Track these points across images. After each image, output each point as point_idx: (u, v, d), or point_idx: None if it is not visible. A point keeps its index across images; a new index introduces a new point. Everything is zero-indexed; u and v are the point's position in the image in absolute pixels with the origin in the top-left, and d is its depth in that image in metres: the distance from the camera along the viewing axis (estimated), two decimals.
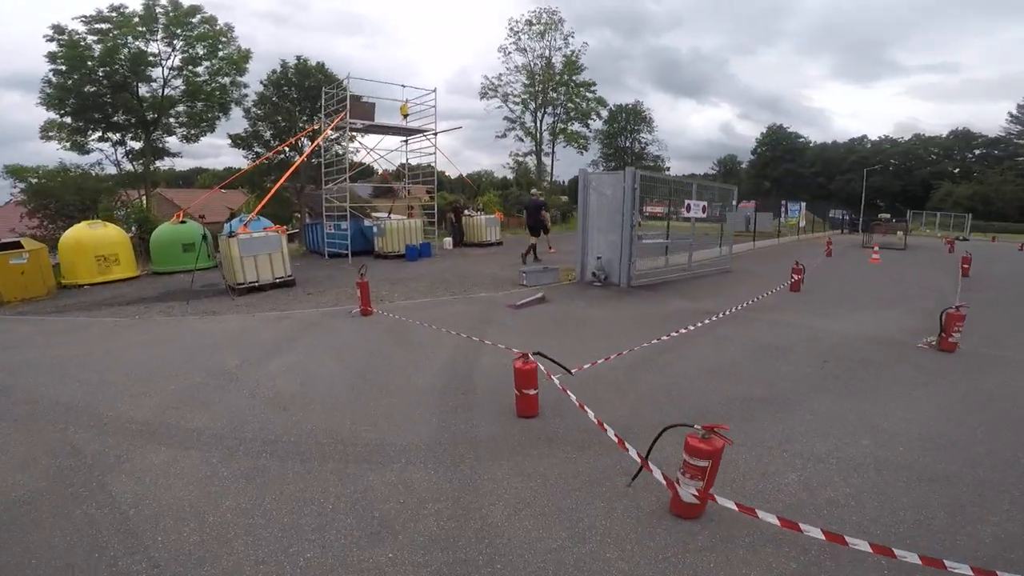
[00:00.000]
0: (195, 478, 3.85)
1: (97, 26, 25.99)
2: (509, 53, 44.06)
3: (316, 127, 23.17)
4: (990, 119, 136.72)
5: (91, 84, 26.54)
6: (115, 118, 27.69)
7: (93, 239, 14.67)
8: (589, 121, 47.94)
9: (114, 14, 26.23)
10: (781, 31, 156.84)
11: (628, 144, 63.30)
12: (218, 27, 29.10)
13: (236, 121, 31.11)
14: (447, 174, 45.28)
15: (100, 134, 27.98)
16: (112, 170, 28.67)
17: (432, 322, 8.10)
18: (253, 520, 3.32)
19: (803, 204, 31.49)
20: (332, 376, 5.98)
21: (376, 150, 21.42)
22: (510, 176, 59.78)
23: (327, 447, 4.26)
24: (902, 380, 5.78)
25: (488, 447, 4.20)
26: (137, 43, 27.09)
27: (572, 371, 4.92)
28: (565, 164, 59.25)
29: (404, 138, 20.89)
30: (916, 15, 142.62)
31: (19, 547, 3.09)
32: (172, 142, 30.89)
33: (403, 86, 19.33)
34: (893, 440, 4.33)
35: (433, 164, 21.02)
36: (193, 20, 28.25)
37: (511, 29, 43.66)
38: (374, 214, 20.67)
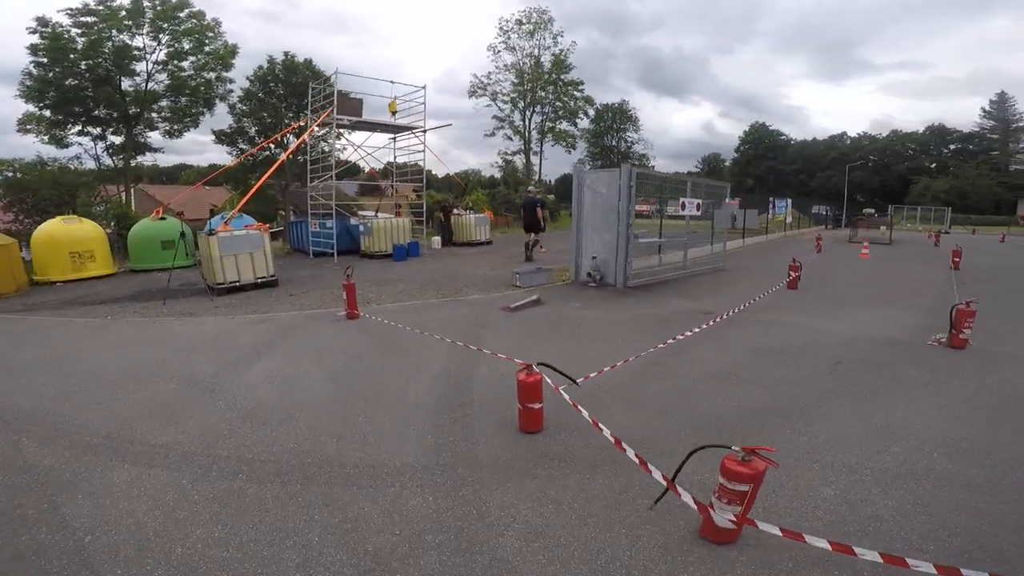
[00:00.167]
0: (161, 502, 3.42)
1: (83, 19, 25.37)
2: (498, 52, 43.82)
3: (302, 123, 22.64)
4: (961, 115, 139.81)
5: (73, 77, 25.99)
6: (96, 112, 27.08)
7: (67, 235, 14.11)
8: (577, 120, 47.83)
9: (101, 7, 25.60)
10: (756, 31, 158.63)
11: (614, 143, 63.26)
12: (206, 22, 28.50)
13: (221, 117, 30.62)
14: (434, 173, 44.83)
15: (80, 128, 27.36)
16: (91, 165, 28.05)
17: (423, 326, 7.63)
18: (227, 553, 2.89)
19: (789, 201, 31.47)
20: (316, 386, 5.51)
21: (363, 147, 20.84)
22: (497, 175, 59.53)
23: (311, 468, 3.82)
24: (919, 381, 5.54)
25: (491, 468, 3.79)
26: (122, 36, 26.49)
27: (578, 382, 4.51)
28: (553, 163, 59.33)
29: (392, 135, 20.42)
30: (884, 14, 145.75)
31: None
32: (154, 137, 30.38)
33: (392, 82, 18.84)
34: (925, 446, 4.09)
35: (422, 162, 20.57)
36: (181, 15, 27.66)
37: (501, 28, 43.46)
38: (361, 212, 20.18)
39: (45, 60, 24.91)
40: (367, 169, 25.58)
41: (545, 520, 3.16)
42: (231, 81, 30.01)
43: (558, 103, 45.52)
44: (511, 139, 46.62)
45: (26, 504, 3.37)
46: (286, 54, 29.85)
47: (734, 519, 2.79)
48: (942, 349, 6.67)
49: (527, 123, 45.32)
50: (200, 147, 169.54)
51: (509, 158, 49.16)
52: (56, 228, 14.22)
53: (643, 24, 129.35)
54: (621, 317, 8.64)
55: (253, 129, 29.56)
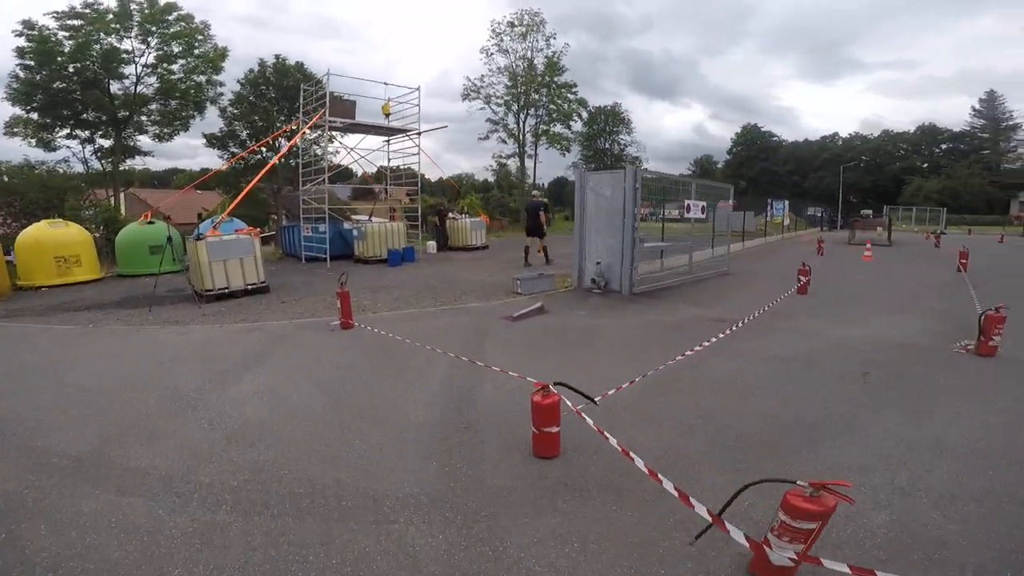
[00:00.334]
0: (135, 535, 3.02)
1: (69, 22, 24.90)
2: (491, 54, 43.35)
3: (293, 126, 22.23)
4: (950, 114, 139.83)
5: (61, 80, 25.48)
6: (85, 115, 26.57)
7: (53, 239, 13.75)
8: (571, 122, 47.48)
9: (87, 10, 25.12)
10: (746, 32, 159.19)
11: (607, 146, 62.88)
12: (194, 24, 28.03)
13: (212, 121, 30.03)
14: (427, 177, 44.43)
15: (68, 131, 26.84)
16: (80, 168, 27.55)
17: (421, 337, 7.18)
18: None
19: (787, 203, 31.25)
20: (308, 403, 5.07)
21: (357, 150, 20.44)
22: (491, 179, 59.21)
23: (304, 499, 3.41)
24: (953, 391, 5.20)
25: (505, 499, 3.38)
26: (110, 39, 26.00)
27: (596, 401, 4.10)
28: (546, 166, 59.04)
29: (386, 138, 20.06)
30: (872, 13, 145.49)
31: None
32: (144, 141, 29.79)
33: (386, 84, 18.60)
34: (976, 462, 3.77)
35: (416, 166, 20.19)
36: (169, 18, 27.19)
37: (493, 31, 42.98)
38: (354, 217, 19.78)
39: (32, 63, 24.41)
40: (360, 172, 25.18)
41: (572, 562, 2.76)
42: (221, 84, 29.53)
43: (552, 106, 45.14)
44: (505, 142, 46.22)
45: None
46: (277, 57, 29.36)
47: (794, 557, 2.43)
48: (970, 357, 6.33)
49: (521, 126, 44.97)
50: (192, 151, 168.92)
51: (504, 161, 48.80)
52: (41, 232, 13.87)
53: (632, 26, 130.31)
54: (630, 326, 8.24)
55: (244, 133, 29.04)
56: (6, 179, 21.27)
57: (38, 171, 23.28)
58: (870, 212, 35.43)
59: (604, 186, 10.71)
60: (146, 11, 26.44)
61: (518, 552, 2.84)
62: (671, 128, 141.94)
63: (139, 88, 27.74)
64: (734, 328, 7.09)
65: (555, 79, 43.94)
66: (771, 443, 4.13)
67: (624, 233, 10.21)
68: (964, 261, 13.94)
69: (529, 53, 43.11)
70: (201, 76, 29.03)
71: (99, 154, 28.23)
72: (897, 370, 5.89)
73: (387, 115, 18.62)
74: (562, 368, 5.97)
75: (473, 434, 4.31)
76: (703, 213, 12.72)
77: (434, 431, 4.40)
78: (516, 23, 42.63)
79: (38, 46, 24.13)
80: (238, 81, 29.43)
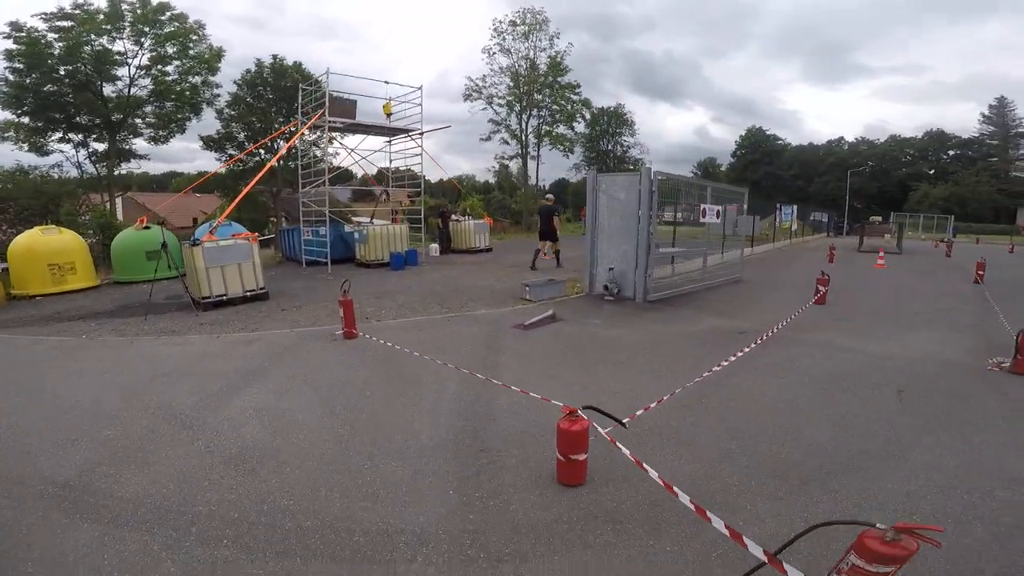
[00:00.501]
0: (128, 574, 2.74)
1: (59, 23, 24.58)
2: (493, 54, 42.97)
3: (292, 127, 21.92)
4: (957, 120, 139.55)
5: (52, 83, 25.19)
6: (77, 118, 26.26)
7: (46, 246, 13.35)
8: (574, 123, 47.12)
9: (77, 11, 24.81)
10: (750, 34, 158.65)
11: (610, 147, 62.52)
12: (188, 25, 27.72)
13: (209, 123, 29.86)
14: (427, 177, 44.10)
15: (61, 135, 26.52)
16: (73, 173, 27.25)
17: (429, 349, 6.88)
18: None
19: (795, 208, 30.91)
20: (312, 423, 4.74)
21: (357, 151, 20.11)
22: (492, 180, 58.88)
23: (312, 534, 3.10)
24: (997, 413, 4.91)
25: (532, 534, 3.07)
26: (101, 41, 25.69)
27: (625, 423, 3.78)
28: (548, 168, 58.60)
29: (387, 139, 19.74)
30: (879, 17, 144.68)
31: None
32: (139, 144, 29.51)
33: (387, 82, 18.21)
34: None
35: (419, 167, 19.84)
36: (162, 18, 26.88)
37: (495, 30, 42.58)
38: (355, 219, 19.46)
39: (22, 65, 24.08)
40: (361, 174, 24.87)
41: None
42: (218, 86, 29.26)
43: (555, 106, 44.79)
44: (508, 143, 45.88)
45: None
46: (275, 57, 29.06)
47: None
48: (1006, 375, 6.00)
49: (524, 127, 44.60)
50: (191, 154, 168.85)
51: (506, 162, 48.47)
52: (34, 239, 13.46)
53: (634, 27, 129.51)
54: (649, 337, 7.90)
55: (242, 135, 28.75)
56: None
57: (31, 176, 22.94)
58: (880, 218, 35.13)
59: (618, 188, 10.37)
60: (138, 11, 26.15)
61: None
62: (673, 130, 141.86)
63: (133, 90, 27.51)
64: (758, 341, 6.82)
65: (558, 79, 43.58)
66: (812, 468, 3.85)
67: (639, 238, 9.89)
68: (981, 273, 13.64)
69: (532, 53, 42.77)
70: (196, 77, 28.79)
71: (93, 158, 27.93)
72: (932, 388, 5.61)
73: (388, 115, 18.29)
74: (580, 384, 5.69)
75: (491, 459, 4.00)
76: (719, 218, 12.40)
77: (449, 456, 4.09)
78: (518, 22, 42.28)
79: (27, 48, 23.82)
80: (235, 82, 29.16)
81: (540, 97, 43.69)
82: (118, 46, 26.38)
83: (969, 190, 57.79)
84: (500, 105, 43.97)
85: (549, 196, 18.10)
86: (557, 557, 2.86)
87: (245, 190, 15.84)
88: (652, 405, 4.52)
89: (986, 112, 65.68)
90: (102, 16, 25.46)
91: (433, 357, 6.40)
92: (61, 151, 26.82)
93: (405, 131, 18.67)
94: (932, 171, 66.93)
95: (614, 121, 61.46)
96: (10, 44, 23.83)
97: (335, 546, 2.99)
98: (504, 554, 2.88)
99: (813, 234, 35.44)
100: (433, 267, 17.06)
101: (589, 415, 3.52)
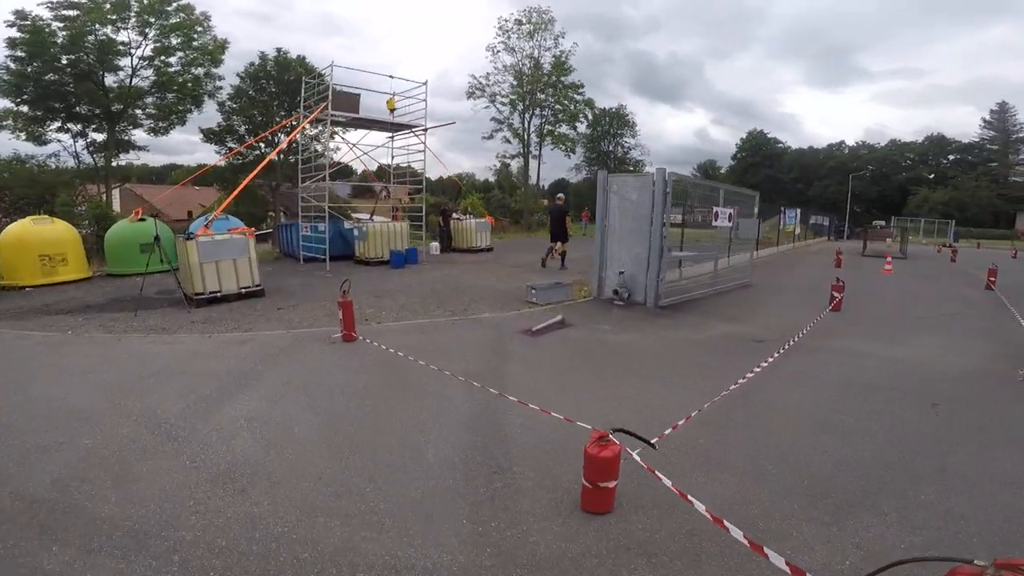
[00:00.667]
0: None
1: (64, 12, 24.23)
2: (497, 52, 42.60)
3: (293, 120, 21.55)
4: (957, 124, 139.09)
5: (53, 72, 24.81)
6: (77, 108, 25.88)
7: (38, 236, 13.00)
8: (577, 123, 46.77)
9: (85, 0, 24.43)
10: (754, 36, 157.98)
11: (611, 148, 62.20)
12: (194, 16, 27.34)
13: (210, 115, 29.41)
14: (427, 175, 43.74)
15: (60, 124, 26.16)
16: (71, 163, 26.85)
17: (432, 355, 6.51)
18: None
19: (799, 211, 30.64)
20: (309, 436, 4.36)
21: (360, 146, 19.70)
22: (492, 179, 58.53)
23: (310, 567, 2.74)
24: None
25: (557, 570, 2.72)
26: (106, 30, 25.30)
27: (654, 443, 3.41)
28: (548, 167, 58.24)
29: (390, 134, 19.34)
30: (880, 21, 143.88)
31: None
32: (139, 135, 29.12)
33: (391, 77, 17.76)
34: None
35: (421, 163, 19.46)
36: (169, 8, 26.49)
37: (500, 28, 42.21)
38: (355, 215, 19.08)
39: (23, 54, 23.71)
40: (362, 169, 24.50)
41: None
42: (220, 78, 28.89)
43: (558, 106, 44.43)
44: (510, 142, 45.48)
45: None
46: (279, 50, 28.73)
47: None
48: None
49: (526, 126, 44.24)
50: (191, 147, 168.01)
51: (508, 161, 48.07)
52: (25, 229, 13.10)
53: (637, 28, 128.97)
54: (662, 345, 7.57)
55: (243, 128, 28.39)
56: None
57: (28, 165, 22.53)
58: (883, 222, 34.95)
59: (629, 190, 10.03)
60: (145, 1, 25.76)
61: None
62: (672, 132, 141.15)
63: (135, 81, 27.12)
64: (780, 352, 6.51)
65: (562, 79, 43.23)
66: (857, 489, 3.56)
67: (651, 240, 9.55)
68: (993, 279, 13.37)
69: (536, 52, 42.38)
70: (199, 69, 28.42)
71: (91, 148, 27.55)
72: (966, 400, 5.33)
73: (392, 110, 17.88)
74: (596, 397, 5.35)
75: (505, 481, 3.65)
76: (730, 221, 12.08)
77: (458, 476, 3.73)
78: (524, 21, 41.91)
79: (31, 37, 23.49)
80: (238, 75, 28.84)
81: (543, 96, 43.32)
82: (122, 36, 26.06)
83: (969, 195, 57.82)
84: (503, 103, 43.62)
85: (560, 196, 17.75)
86: None
87: (244, 183, 15.50)
88: (680, 423, 4.17)
89: (987, 117, 65.88)
90: (109, 5, 25.09)
91: (437, 364, 6.05)
92: (59, 141, 26.50)
93: (409, 127, 18.28)
94: (932, 175, 67.04)
95: (615, 122, 61.23)
96: (14, 32, 23.51)
97: None
98: None
99: (814, 238, 35.27)
100: (434, 266, 16.72)
101: (620, 439, 3.15)
